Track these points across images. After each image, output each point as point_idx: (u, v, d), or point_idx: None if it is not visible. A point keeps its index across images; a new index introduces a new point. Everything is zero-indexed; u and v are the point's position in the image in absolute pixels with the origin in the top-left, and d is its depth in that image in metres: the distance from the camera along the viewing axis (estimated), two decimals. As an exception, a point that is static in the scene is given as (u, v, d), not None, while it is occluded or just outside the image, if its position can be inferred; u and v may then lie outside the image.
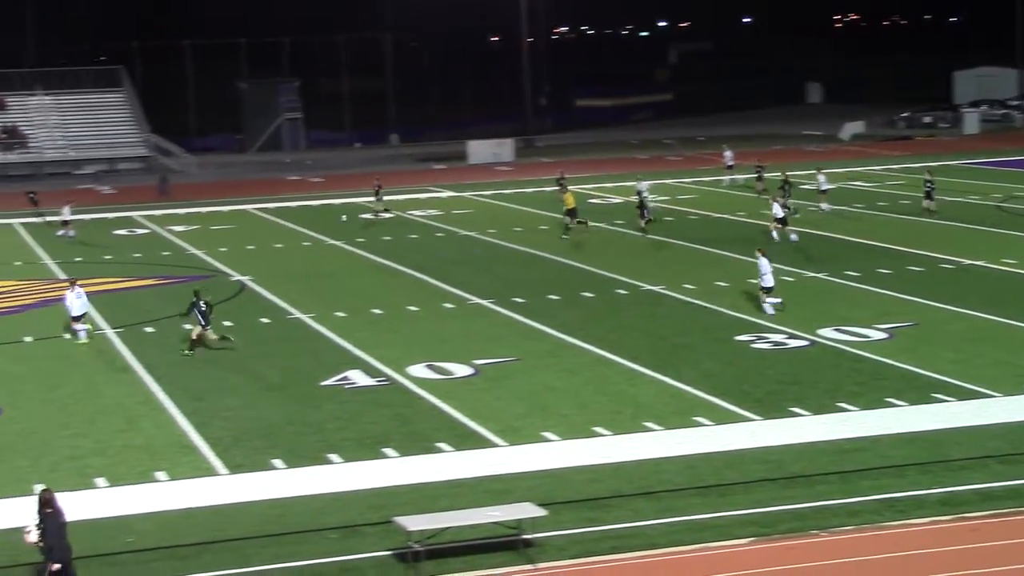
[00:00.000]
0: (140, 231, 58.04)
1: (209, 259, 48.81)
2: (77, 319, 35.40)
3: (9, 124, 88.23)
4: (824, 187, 55.22)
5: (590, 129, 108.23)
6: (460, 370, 30.98)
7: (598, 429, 26.09)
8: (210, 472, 24.19)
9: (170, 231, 57.21)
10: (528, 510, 20.25)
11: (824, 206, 54.65)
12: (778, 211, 47.35)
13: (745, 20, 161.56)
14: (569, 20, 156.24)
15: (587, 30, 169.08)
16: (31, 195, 62.68)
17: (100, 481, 23.70)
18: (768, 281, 35.72)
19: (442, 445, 25.33)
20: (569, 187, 55.46)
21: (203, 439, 26.01)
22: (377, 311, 38.14)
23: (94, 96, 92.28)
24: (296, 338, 35.28)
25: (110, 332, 36.39)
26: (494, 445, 25.38)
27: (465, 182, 73.35)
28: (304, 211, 62.46)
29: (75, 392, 30.11)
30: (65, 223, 55.34)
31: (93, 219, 62.44)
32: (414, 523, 19.64)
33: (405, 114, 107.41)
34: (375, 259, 47.65)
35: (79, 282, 36.61)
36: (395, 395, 29.07)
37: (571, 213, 51.13)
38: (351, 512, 21.88)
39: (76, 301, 35.38)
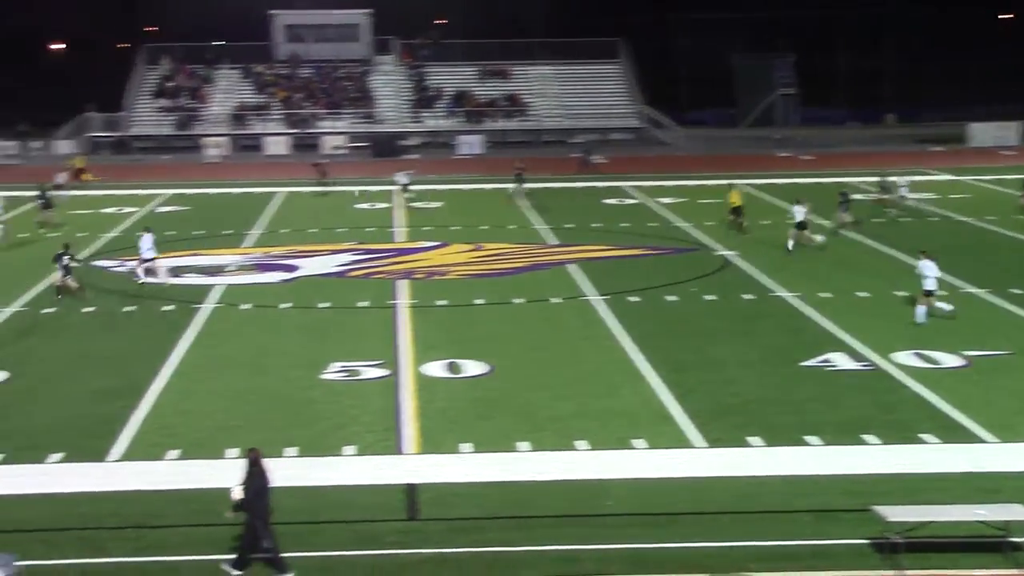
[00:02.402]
0: (629, 201, 59.04)
1: (695, 232, 49.04)
2: (150, 260, 39.93)
3: (511, 92, 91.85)
4: None
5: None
6: (949, 360, 29.72)
7: (1098, 433, 24.42)
8: (687, 444, 24.24)
9: (658, 203, 57.90)
10: (1018, 512, 19.17)
11: None
12: (799, 215, 43.89)
13: None
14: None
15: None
16: (318, 164, 64.57)
17: (581, 444, 24.19)
18: (930, 284, 33.03)
19: (926, 436, 24.37)
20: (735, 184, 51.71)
21: (682, 410, 26.10)
22: (863, 294, 37.18)
23: (592, 67, 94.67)
24: (778, 316, 34.88)
25: (595, 299, 37.15)
26: (983, 441, 24.17)
27: (964, 165, 70.55)
28: (793, 188, 61.70)
29: (559, 355, 30.89)
30: (406, 187, 57.50)
31: (584, 187, 64.11)
32: (894, 514, 18.97)
33: (903, 93, 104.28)
34: (865, 241, 46.49)
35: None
36: (878, 381, 28.22)
37: (736, 211, 48.54)
38: (827, 496, 21.39)
39: (147, 244, 40.08)
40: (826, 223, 48.83)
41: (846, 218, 48.20)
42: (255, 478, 18.58)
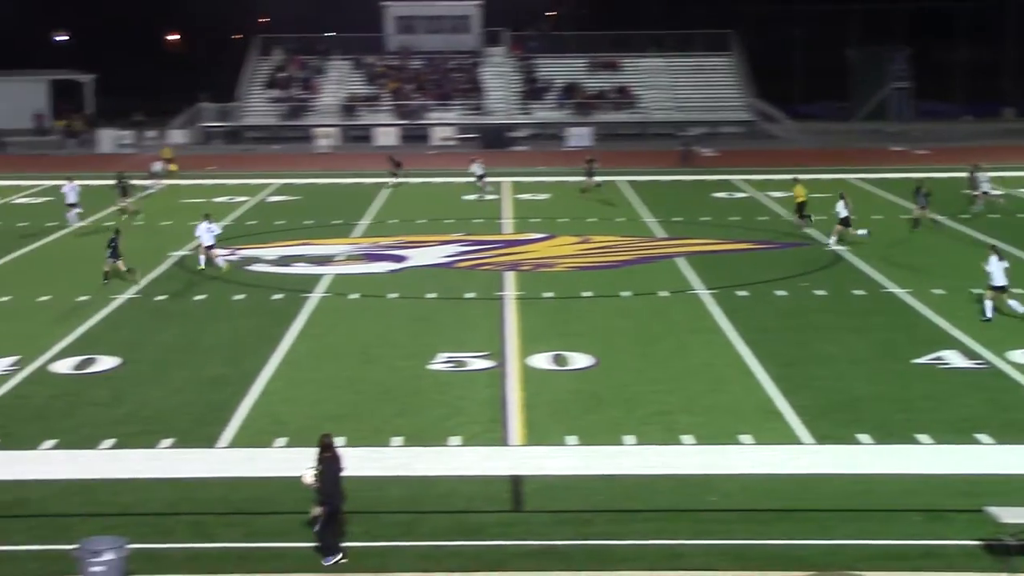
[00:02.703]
0: (738, 195, 58.56)
1: (805, 228, 48.44)
2: (209, 248, 40.46)
3: (621, 84, 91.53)
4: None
5: None
6: (1066, 359, 29.10)
7: None
8: (795, 440, 23.96)
9: (768, 197, 57.34)
10: None
11: None
12: (842, 210, 43.75)
13: None
14: None
15: None
16: (392, 156, 65.02)
17: (687, 438, 24.02)
18: (999, 280, 32.65)
19: (1041, 437, 23.89)
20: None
21: (790, 406, 25.80)
22: (978, 291, 36.47)
23: (703, 60, 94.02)
24: (889, 312, 34.36)
25: (703, 293, 36.88)
26: (1100, 443, 23.65)
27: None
28: (906, 183, 60.73)
29: (667, 349, 30.71)
30: (481, 177, 57.97)
31: (693, 180, 63.68)
32: (1008, 515, 18.56)
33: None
34: (979, 236, 45.64)
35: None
36: (993, 379, 27.68)
37: (800, 207, 47.85)
38: (938, 496, 21.03)
39: (206, 233, 40.40)
40: (939, 218, 48.14)
41: (924, 213, 47.52)
42: (331, 463, 18.70)
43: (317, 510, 18.66)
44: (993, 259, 33.09)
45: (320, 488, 18.59)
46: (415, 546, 19.24)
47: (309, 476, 18.79)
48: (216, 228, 41.33)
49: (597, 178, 58.31)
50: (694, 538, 19.42)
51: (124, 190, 53.08)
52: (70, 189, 50.55)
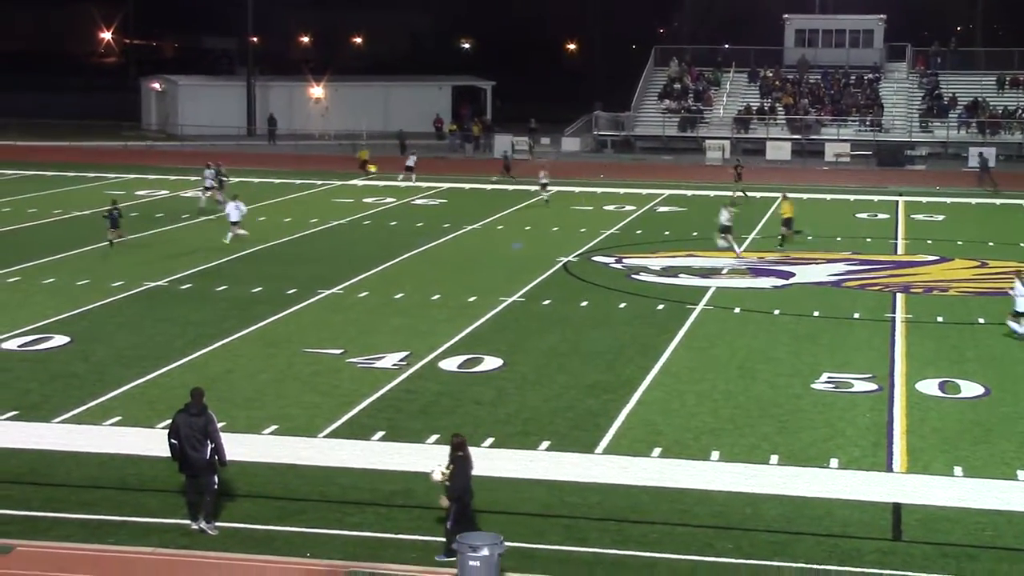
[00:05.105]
0: None
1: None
2: (235, 224, 45.29)
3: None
4: None
5: None
6: None
7: None
8: None
9: None
10: None
11: None
12: (725, 219, 45.86)
13: None
14: None
15: None
16: (737, 166, 64.91)
17: (1084, 478, 22.66)
18: (1021, 305, 32.82)
19: None
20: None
21: None
22: None
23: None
24: None
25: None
26: None
27: None
28: None
29: (1068, 382, 29.09)
30: (544, 186, 59.61)
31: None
32: None
33: None
34: None
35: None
36: None
37: (787, 223, 48.50)
38: None
39: (235, 211, 45.41)
40: None
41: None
42: (462, 463, 18.98)
43: (445, 502, 19.01)
44: (1018, 284, 33.01)
45: (451, 485, 18.92)
46: (789, 567, 18.81)
47: (437, 474, 19.18)
48: (243, 207, 46.22)
49: (740, 193, 59.96)
50: (1089, 586, 18.27)
51: (221, 184, 56.26)
52: (210, 175, 55.21)
